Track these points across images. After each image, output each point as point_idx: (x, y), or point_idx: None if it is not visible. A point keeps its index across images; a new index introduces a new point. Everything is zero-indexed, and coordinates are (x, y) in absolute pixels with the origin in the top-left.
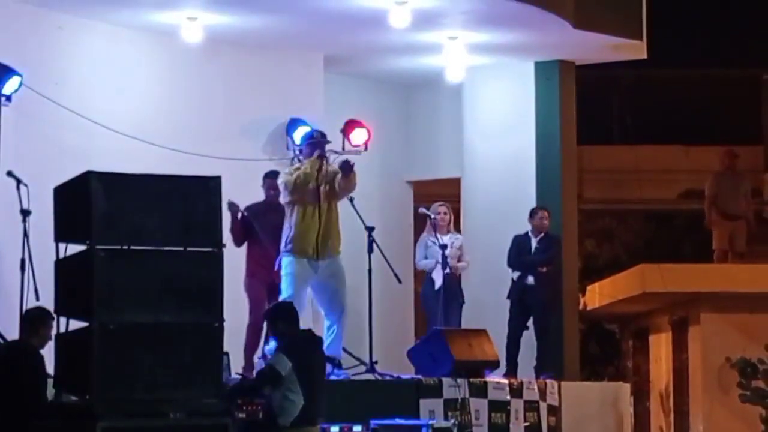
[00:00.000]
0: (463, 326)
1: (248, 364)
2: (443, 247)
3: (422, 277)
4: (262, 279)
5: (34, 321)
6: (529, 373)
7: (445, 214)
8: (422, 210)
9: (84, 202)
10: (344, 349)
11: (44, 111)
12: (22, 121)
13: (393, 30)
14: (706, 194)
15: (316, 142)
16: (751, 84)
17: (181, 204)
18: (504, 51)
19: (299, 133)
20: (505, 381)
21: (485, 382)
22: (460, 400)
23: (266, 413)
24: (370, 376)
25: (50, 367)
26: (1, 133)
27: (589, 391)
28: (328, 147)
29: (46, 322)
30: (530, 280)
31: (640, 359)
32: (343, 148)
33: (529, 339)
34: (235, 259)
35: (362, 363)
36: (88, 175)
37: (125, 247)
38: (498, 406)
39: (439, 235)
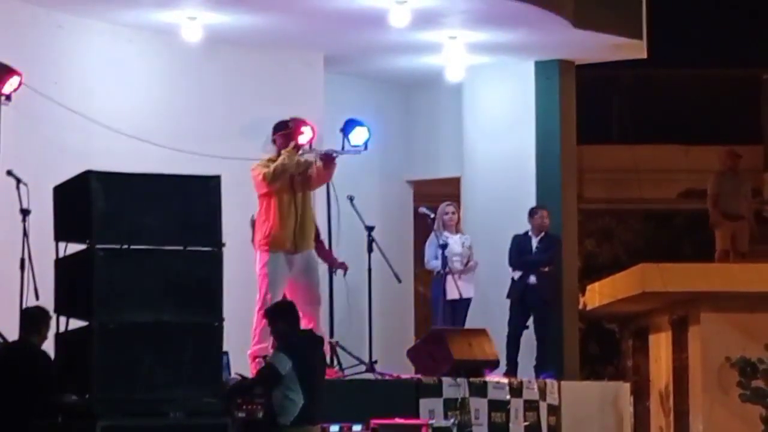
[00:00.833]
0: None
1: None
2: (443, 246)
3: (422, 278)
4: None
5: (34, 320)
6: (529, 372)
7: (453, 213)
8: (422, 210)
9: (84, 201)
10: (344, 349)
11: (44, 111)
12: (22, 120)
13: (393, 29)
14: (709, 194)
15: (292, 132)
16: (751, 84)
17: (181, 204)
18: (504, 50)
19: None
20: (505, 380)
21: (485, 382)
22: (459, 400)
23: (266, 412)
24: (369, 376)
25: None
26: (1, 132)
27: (589, 391)
28: (328, 146)
29: (46, 321)
30: (532, 279)
31: (639, 359)
32: (343, 148)
33: (529, 339)
34: (235, 259)
35: (362, 362)
36: (88, 174)
37: (125, 247)
38: (498, 406)
39: (448, 234)
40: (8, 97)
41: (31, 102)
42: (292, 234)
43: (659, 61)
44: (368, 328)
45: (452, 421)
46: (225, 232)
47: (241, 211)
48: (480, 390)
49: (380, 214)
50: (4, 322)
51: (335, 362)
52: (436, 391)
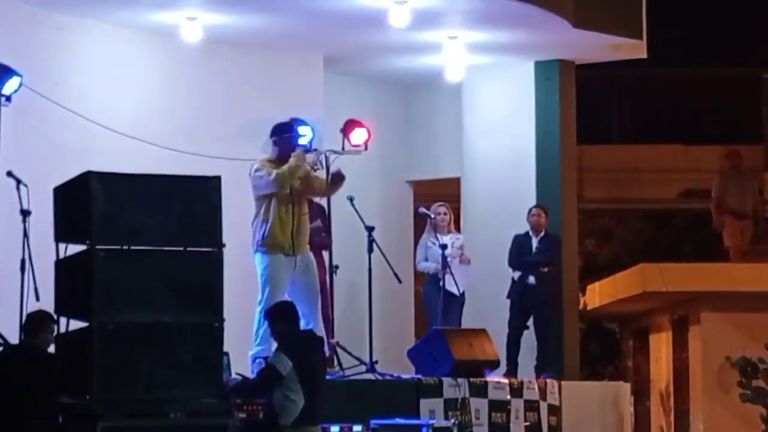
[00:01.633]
0: (463, 326)
1: None
2: (443, 247)
3: (422, 278)
4: None
5: (34, 324)
6: (529, 372)
7: (445, 214)
8: (422, 210)
9: (84, 202)
10: (344, 349)
11: (44, 111)
12: (22, 121)
13: (393, 29)
14: (713, 195)
15: (298, 134)
16: (751, 84)
17: (181, 204)
18: (504, 50)
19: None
20: (506, 381)
21: (485, 382)
22: (460, 400)
23: (267, 413)
24: (370, 376)
25: None
26: (1, 133)
27: (590, 391)
28: (327, 147)
29: (50, 325)
30: (531, 280)
31: (640, 359)
32: (343, 148)
33: (529, 339)
34: (235, 259)
35: (362, 363)
36: (88, 175)
37: (125, 247)
38: (498, 406)
39: (439, 235)
40: (8, 98)
41: (31, 103)
42: (290, 237)
43: (659, 61)
44: (368, 328)
45: (453, 421)
46: (225, 232)
47: (241, 211)
48: (480, 390)
49: (380, 214)
50: (4, 324)
51: (336, 362)
52: (436, 391)
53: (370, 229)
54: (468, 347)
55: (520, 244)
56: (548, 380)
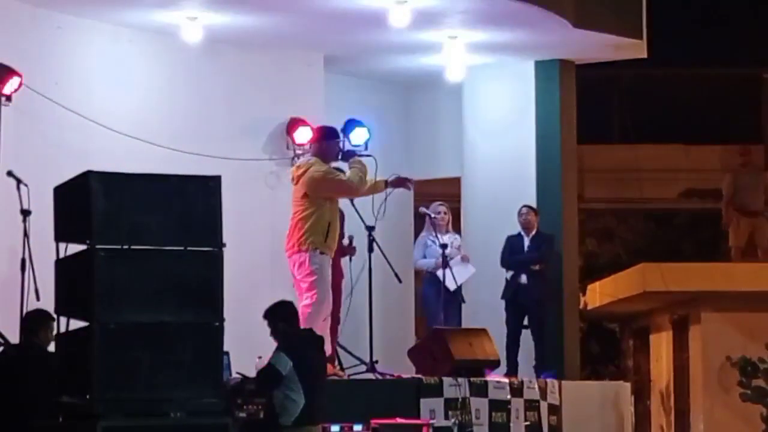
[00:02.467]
0: (463, 326)
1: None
2: (443, 246)
3: (422, 276)
4: None
5: (32, 322)
6: (529, 372)
7: (444, 213)
8: (422, 209)
9: (84, 201)
10: (345, 349)
11: (44, 111)
12: (22, 121)
13: (393, 29)
14: (724, 193)
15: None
16: (751, 84)
17: (181, 204)
18: (504, 50)
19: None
20: (506, 380)
21: (486, 382)
22: (460, 400)
23: (267, 413)
24: (370, 376)
25: None
26: (1, 133)
27: (590, 391)
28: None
29: (49, 324)
30: (524, 279)
31: (640, 358)
32: (344, 148)
33: (529, 338)
34: (235, 259)
35: (362, 362)
36: (88, 175)
37: (125, 247)
38: (498, 406)
39: (439, 235)
40: (8, 98)
41: (31, 102)
42: (337, 238)
43: (659, 61)
44: (369, 328)
45: (453, 421)
46: (225, 232)
47: (241, 211)
48: (481, 390)
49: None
50: (4, 323)
51: (336, 362)
52: (436, 390)
53: (370, 229)
54: (468, 347)
55: (512, 244)
56: (548, 380)
